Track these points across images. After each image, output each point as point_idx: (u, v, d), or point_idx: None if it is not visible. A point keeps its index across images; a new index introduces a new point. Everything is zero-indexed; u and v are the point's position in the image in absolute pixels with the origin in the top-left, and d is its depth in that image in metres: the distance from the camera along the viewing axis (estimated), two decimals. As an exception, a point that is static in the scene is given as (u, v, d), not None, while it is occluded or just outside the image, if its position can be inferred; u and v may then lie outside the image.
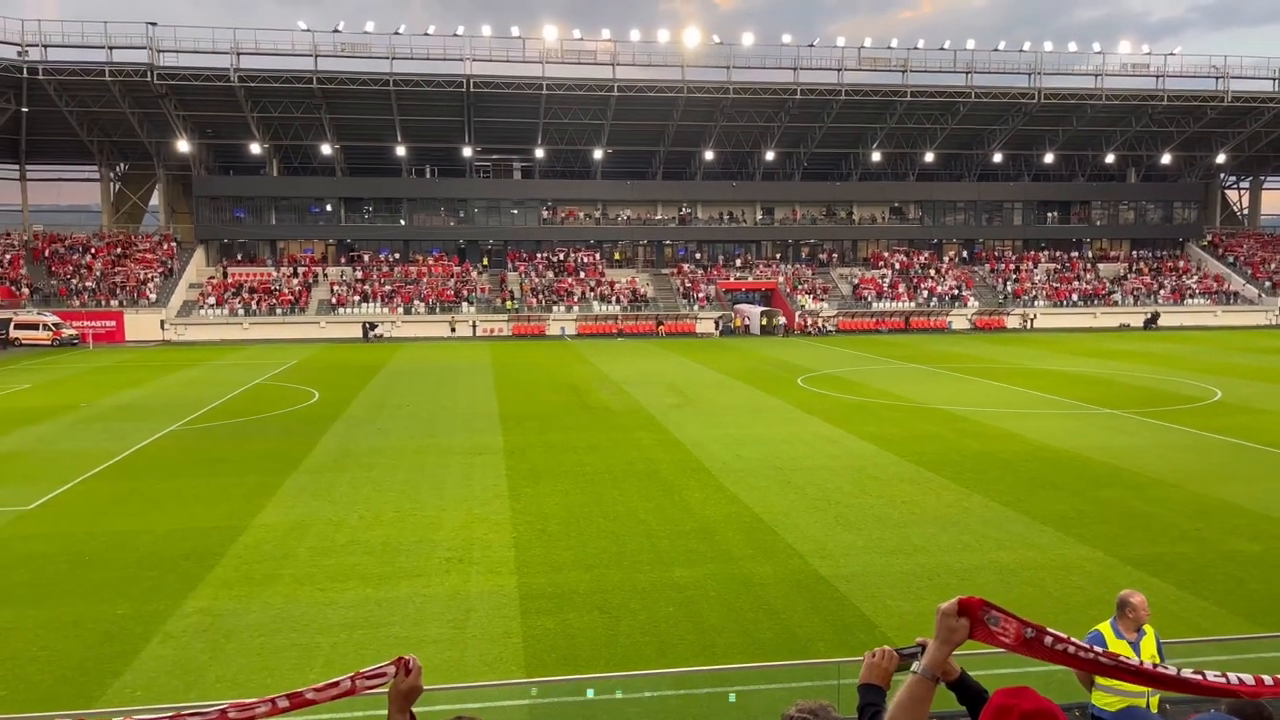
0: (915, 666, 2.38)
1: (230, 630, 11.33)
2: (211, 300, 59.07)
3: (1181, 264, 70.55)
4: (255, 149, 63.16)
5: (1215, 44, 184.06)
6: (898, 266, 68.52)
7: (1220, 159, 70.88)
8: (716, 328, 60.17)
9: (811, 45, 63.37)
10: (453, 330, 58.69)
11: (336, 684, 2.98)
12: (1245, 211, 78.75)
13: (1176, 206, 74.13)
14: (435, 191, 67.83)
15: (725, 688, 8.17)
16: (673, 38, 61.98)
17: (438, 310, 60.40)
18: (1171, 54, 65.92)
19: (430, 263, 65.89)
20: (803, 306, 61.94)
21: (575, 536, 15.09)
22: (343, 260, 66.27)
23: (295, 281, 62.27)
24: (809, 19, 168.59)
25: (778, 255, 70.27)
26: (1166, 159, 70.18)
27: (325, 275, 63.85)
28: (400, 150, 64.66)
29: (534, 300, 61.77)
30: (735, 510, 16.58)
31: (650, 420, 26.16)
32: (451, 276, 64.13)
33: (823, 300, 63.65)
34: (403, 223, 67.40)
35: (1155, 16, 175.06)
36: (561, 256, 67.28)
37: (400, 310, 60.07)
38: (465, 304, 61.14)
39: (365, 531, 15.49)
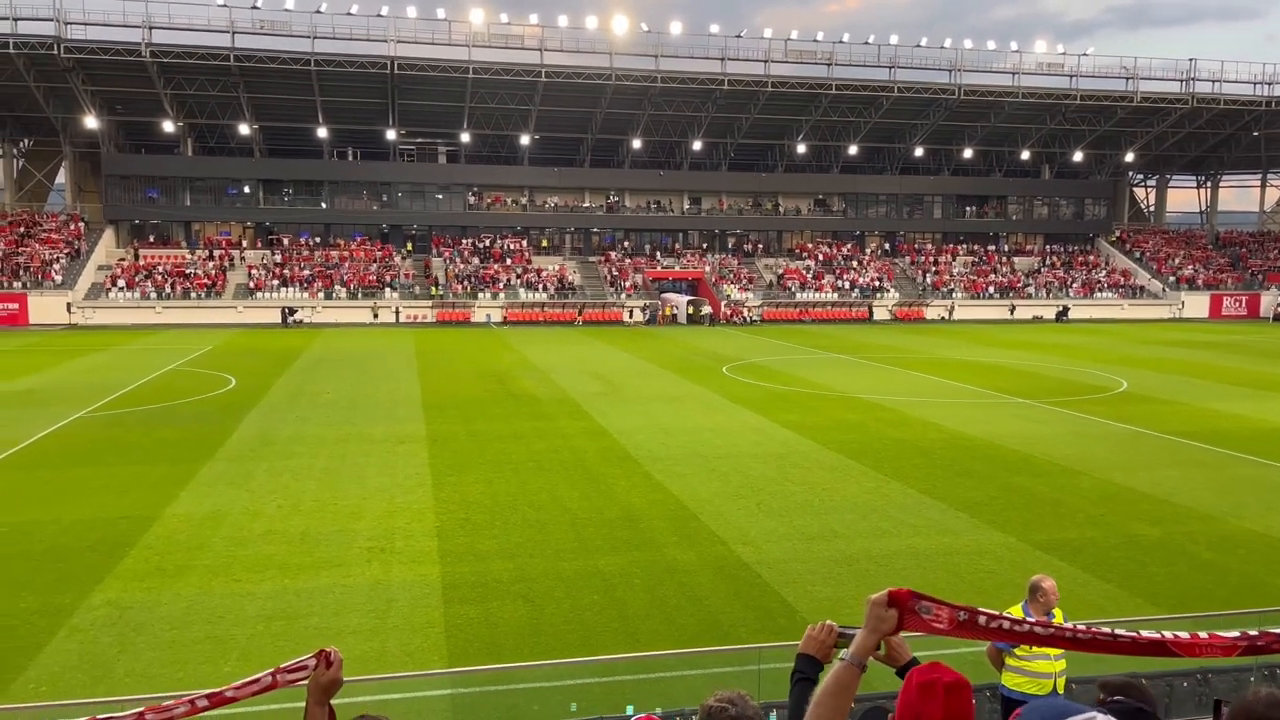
0: (843, 654, 2.41)
1: (140, 623, 10.99)
2: (122, 283, 57.01)
3: (1092, 259, 73.00)
4: (169, 127, 61.03)
5: (1127, 45, 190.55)
6: (821, 257, 69.53)
7: (1129, 157, 73.46)
8: (644, 316, 60.32)
9: (739, 36, 63.76)
10: (375, 316, 57.72)
11: (257, 680, 2.91)
12: (1152, 209, 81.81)
13: (1088, 203, 76.70)
14: (358, 174, 66.51)
15: (648, 675, 8.22)
16: (601, 25, 61.78)
17: (360, 296, 59.33)
18: (1084, 54, 68.16)
19: (352, 247, 64.64)
20: (729, 296, 62.47)
21: (499, 525, 15.00)
22: (261, 243, 64.58)
23: (211, 264, 60.50)
24: (736, 7, 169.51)
25: (705, 245, 70.73)
26: (1079, 156, 72.46)
27: (243, 258, 62.16)
28: (322, 132, 63.21)
29: (459, 287, 61.10)
30: (660, 498, 16.67)
31: (576, 408, 26.12)
32: (374, 261, 63.03)
33: (748, 290, 64.28)
34: (324, 206, 65.95)
35: (1070, 17, 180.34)
36: (488, 243, 66.64)
37: (321, 295, 58.83)
38: (388, 290, 60.18)
39: (283, 521, 15.16)
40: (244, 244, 64.51)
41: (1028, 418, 25.14)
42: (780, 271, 67.17)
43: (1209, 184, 79.61)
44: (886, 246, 73.56)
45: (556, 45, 61.00)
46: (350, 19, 57.83)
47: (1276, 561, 13.53)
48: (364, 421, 24.09)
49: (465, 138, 65.15)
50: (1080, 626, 2.69)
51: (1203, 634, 2.51)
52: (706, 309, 60.30)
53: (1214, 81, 67.94)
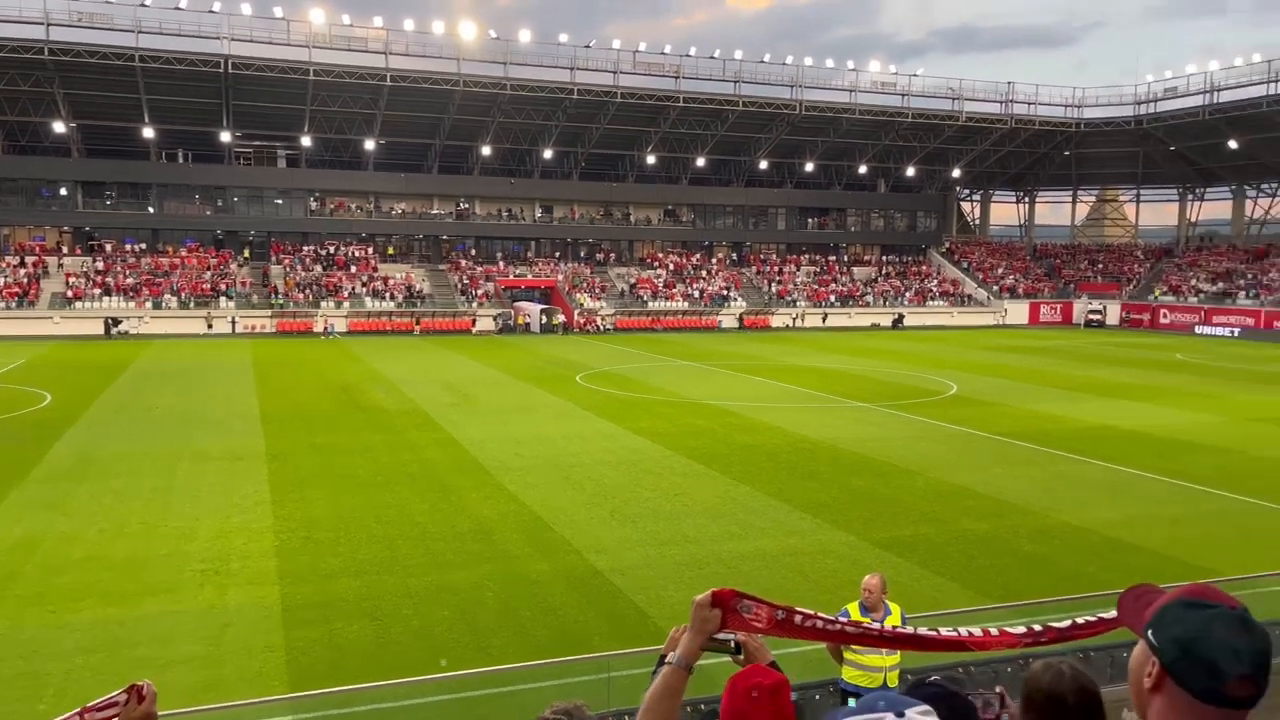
0: (670, 656, 2.40)
1: (-61, 664, 10.02)
2: (-81, 292, 52.15)
3: (924, 269, 76.94)
4: (-27, 123, 56.33)
5: (953, 67, 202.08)
6: (672, 267, 70.61)
7: (956, 173, 77.91)
8: (495, 325, 59.68)
9: (588, 46, 64.10)
10: (209, 327, 54.83)
11: None
12: (977, 222, 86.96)
13: (920, 216, 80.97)
14: (189, 178, 63.09)
15: (499, 689, 8.09)
16: (448, 30, 60.93)
17: (191, 305, 56.26)
18: (915, 75, 71.93)
19: (183, 254, 61.24)
20: (582, 305, 62.58)
21: (344, 542, 14.48)
22: (80, 250, 60.33)
23: (23, 272, 56.08)
24: (585, 19, 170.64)
25: (557, 253, 70.65)
26: (911, 171, 76.29)
27: (60, 265, 57.88)
28: (148, 132, 59.61)
29: (301, 295, 58.79)
30: (513, 509, 16.48)
31: (426, 420, 25.55)
32: (208, 269, 59.90)
33: (601, 299, 64.59)
34: (151, 210, 62.22)
35: (902, 38, 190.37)
36: (331, 250, 64.44)
37: (149, 305, 55.43)
38: (223, 299, 57.30)
39: (106, 546, 14.16)
40: (61, 250, 60.09)
41: (867, 421, 26.22)
42: (632, 280, 67.81)
43: (1027, 199, 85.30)
44: (734, 256, 75.40)
45: (402, 49, 59.70)
46: (179, 14, 54.82)
47: (1090, 552, 14.56)
48: (197, 437, 22.82)
49: (306, 141, 62.84)
50: (888, 627, 2.91)
51: (994, 630, 2.70)
52: (560, 317, 60.21)
53: (1030, 104, 72.96)
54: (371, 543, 14.46)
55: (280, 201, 64.85)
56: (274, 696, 9.25)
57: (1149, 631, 1.76)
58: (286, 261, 62.32)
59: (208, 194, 63.45)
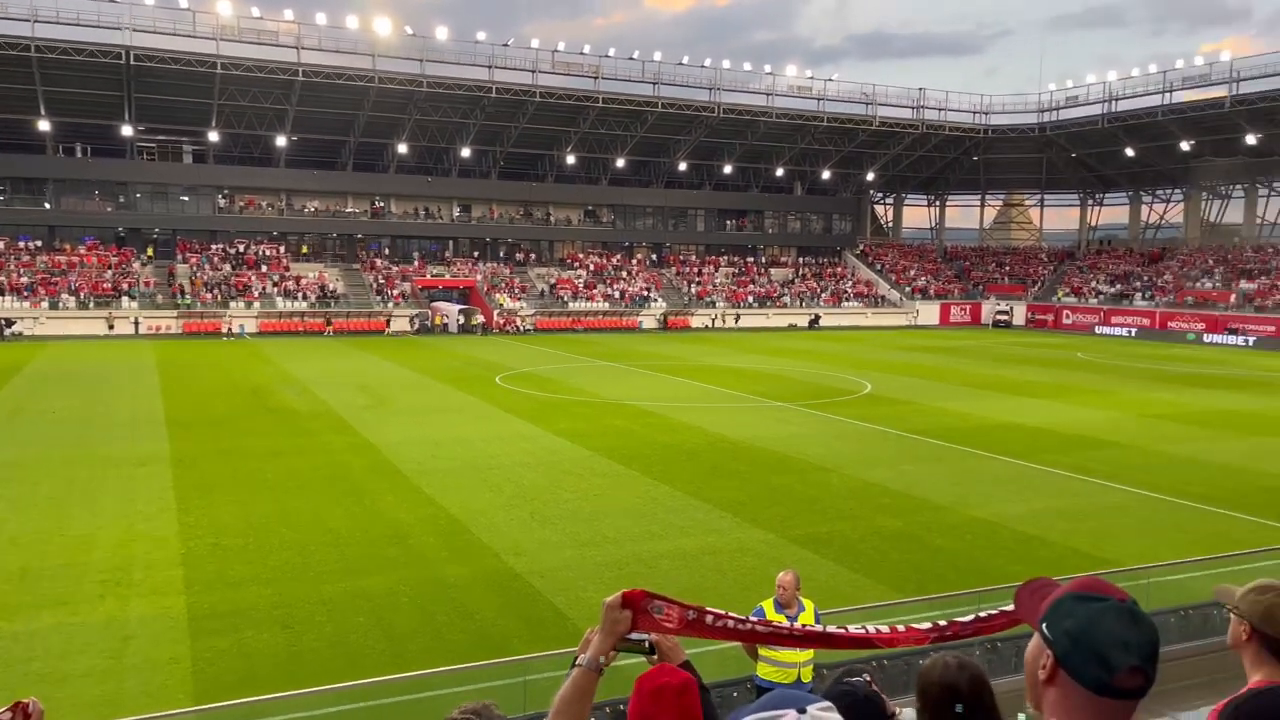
0: (580, 659, 2.37)
1: None
2: None
3: (839, 270, 78.39)
4: None
5: (868, 73, 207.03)
6: (592, 267, 70.56)
7: (870, 177, 79.60)
8: (412, 326, 58.79)
9: (506, 45, 63.62)
10: (111, 328, 52.79)
11: None
12: (890, 225, 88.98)
13: (835, 218, 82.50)
14: (89, 173, 60.66)
15: (416, 695, 7.95)
16: (362, 25, 59.71)
17: (91, 305, 54.09)
18: (830, 80, 73.19)
19: (82, 252, 58.82)
20: (501, 305, 62.09)
21: (254, 549, 14.07)
22: (-29, 247, 57.48)
23: (-93, 270, 53.22)
24: (503, 17, 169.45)
25: (476, 253, 69.93)
26: (827, 175, 77.65)
27: (-52, 264, 55.11)
28: (44, 125, 57.11)
29: (208, 295, 57.03)
30: (430, 512, 16.24)
31: (340, 423, 25.02)
32: (109, 268, 57.65)
33: (521, 299, 64.17)
34: (48, 206, 59.64)
35: (818, 43, 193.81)
36: (241, 248, 62.66)
37: (45, 305, 53.12)
38: (126, 299, 55.21)
39: (-2, 557, 13.51)
40: (-50, 247, 57.19)
41: (785, 420, 26.58)
42: (553, 281, 67.54)
43: (938, 203, 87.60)
44: (654, 257, 75.71)
45: (315, 44, 58.35)
46: (79, 2, 52.66)
47: (998, 545, 15.01)
48: (98, 442, 21.95)
49: (214, 136, 60.95)
50: (797, 626, 2.97)
51: (901, 628, 2.77)
52: (479, 318, 59.62)
53: (940, 110, 74.96)
54: (282, 549, 14.09)
55: (186, 198, 62.82)
56: (178, 710, 8.93)
57: (1043, 624, 1.80)
58: (193, 260, 60.38)
59: (108, 190, 61.09)
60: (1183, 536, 15.36)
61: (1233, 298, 62.13)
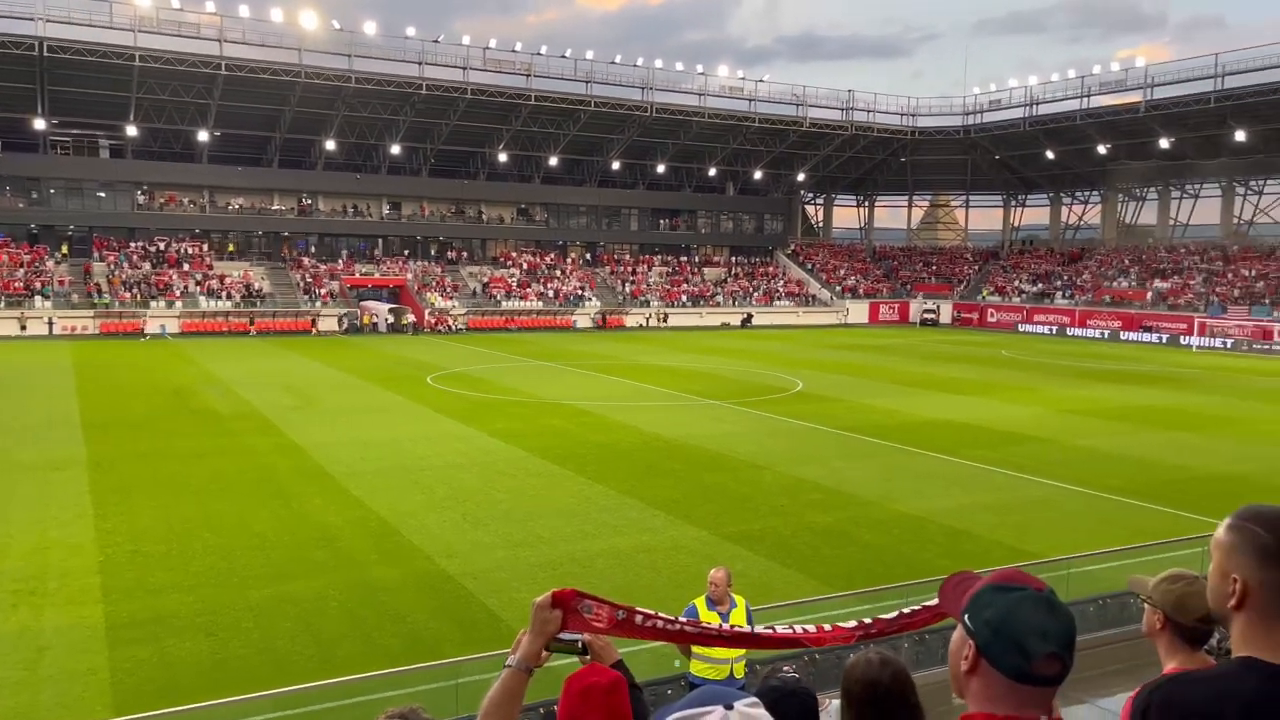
0: (509, 659, 2.35)
1: None
2: None
3: (771, 270, 79.20)
4: None
5: (798, 74, 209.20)
6: (525, 266, 70.17)
7: (801, 177, 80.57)
8: (341, 325, 57.77)
9: (436, 40, 62.90)
10: (23, 328, 50.84)
11: None
12: (821, 225, 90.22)
13: (767, 218, 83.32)
14: None
15: (345, 700, 7.81)
16: (288, 19, 58.45)
17: (3, 305, 51.98)
18: (762, 81, 73.91)
19: (-7, 249, 56.53)
20: (433, 304, 61.37)
21: (176, 555, 13.69)
22: None
23: None
24: (434, 13, 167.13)
25: (406, 251, 68.98)
26: (758, 175, 78.40)
27: None
28: (-49, 116, 54.81)
29: (127, 295, 55.27)
30: (359, 515, 15.98)
31: (266, 424, 24.47)
32: (21, 266, 55.48)
33: (453, 298, 63.51)
34: (-44, 202, 57.24)
35: (750, 44, 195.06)
36: (161, 246, 60.85)
37: (-47, 304, 50.97)
38: (39, 298, 53.21)
39: (-100, 568, 12.91)
40: None
41: (718, 418, 26.75)
42: (485, 280, 66.98)
43: (867, 203, 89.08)
44: (588, 256, 75.58)
45: (238, 36, 56.89)
46: (-13, -9, 50.67)
47: (926, 540, 15.31)
48: (9, 446, 21.12)
49: (132, 131, 59.07)
50: (726, 626, 3.03)
51: (827, 626, 2.83)
52: (409, 317, 58.83)
53: (869, 112, 76.19)
54: (206, 554, 13.73)
55: (103, 195, 60.79)
56: (96, 723, 8.65)
57: (965, 616, 1.83)
58: (111, 259, 58.46)
59: (20, 185, 58.77)
60: (1102, 528, 15.85)
61: (1149, 296, 64.37)
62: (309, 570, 13.16)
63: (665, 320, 66.93)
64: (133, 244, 60.20)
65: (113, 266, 57.68)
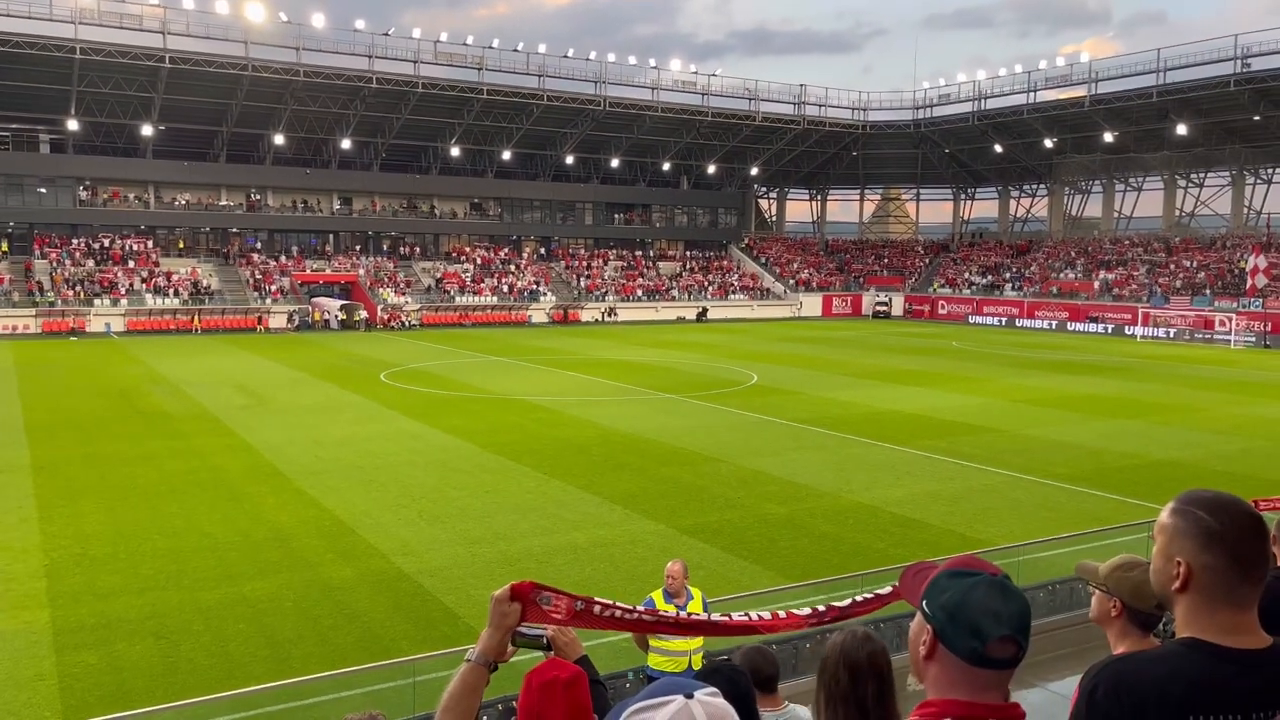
0: (469, 654, 2.35)
1: None
2: None
3: (725, 264, 79.52)
4: None
5: (750, 69, 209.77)
6: (479, 261, 69.71)
7: (754, 171, 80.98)
8: (291, 322, 56.96)
9: (387, 34, 62.20)
10: (-37, 328, 49.48)
11: None
12: (774, 219, 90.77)
13: (721, 212, 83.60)
14: (-66, 162, 56.65)
15: (300, 701, 7.72)
16: (234, 11, 57.36)
17: (-59, 304, 50.60)
18: (714, 75, 74.12)
19: (-71, 247, 54.90)
20: (385, 300, 60.75)
21: (124, 558, 13.42)
22: None
23: None
24: (383, 6, 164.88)
25: (358, 247, 68.19)
26: (712, 169, 78.63)
27: None
28: (-118, 110, 53.08)
29: (70, 293, 53.99)
30: (313, 514, 15.79)
31: (216, 424, 24.07)
32: (-41, 264, 53.98)
33: (406, 294, 62.91)
34: (-112, 198, 55.47)
35: (701, 38, 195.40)
36: (106, 243, 59.51)
37: (-113, 304, 49.42)
38: (-21, 297, 51.84)
39: None
40: None
41: (674, 412, 26.83)
42: (439, 275, 66.43)
43: (819, 197, 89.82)
44: (542, 251, 75.29)
45: (182, 29, 55.77)
46: (-81, -20, 49.08)
47: (879, 529, 15.50)
48: (-52, 451, 20.53)
49: (73, 125, 57.61)
50: (683, 615, 3.08)
51: (781, 613, 2.89)
52: (361, 313, 58.17)
53: (821, 106, 76.84)
54: (155, 557, 13.48)
55: (44, 190, 59.27)
56: (43, 731, 8.47)
57: (923, 602, 1.87)
58: (53, 256, 57.06)
59: (-44, 181, 57.14)
60: (1051, 515, 16.16)
61: (1095, 287, 65.68)
62: (262, 571, 12.98)
63: (613, 314, 66.85)
64: (75, 241, 58.81)
65: (54, 264, 56.30)
